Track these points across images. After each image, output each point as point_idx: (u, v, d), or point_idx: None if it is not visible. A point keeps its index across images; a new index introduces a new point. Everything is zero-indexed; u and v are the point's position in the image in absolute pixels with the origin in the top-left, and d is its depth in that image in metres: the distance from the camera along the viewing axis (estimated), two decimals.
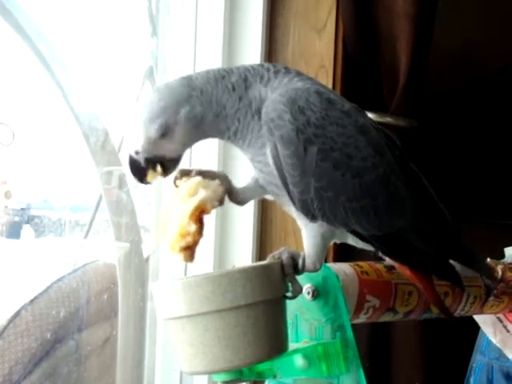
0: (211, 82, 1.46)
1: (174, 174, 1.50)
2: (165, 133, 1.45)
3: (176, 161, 1.51)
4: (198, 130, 1.47)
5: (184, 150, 1.50)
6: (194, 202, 1.43)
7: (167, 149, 1.47)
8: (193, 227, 1.43)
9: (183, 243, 1.43)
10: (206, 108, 1.45)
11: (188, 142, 1.49)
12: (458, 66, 2.90)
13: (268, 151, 1.45)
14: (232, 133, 1.48)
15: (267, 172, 1.48)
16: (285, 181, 1.44)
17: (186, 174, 1.50)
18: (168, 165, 1.49)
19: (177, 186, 1.49)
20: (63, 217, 2.86)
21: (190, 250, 1.45)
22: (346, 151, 1.43)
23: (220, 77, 1.47)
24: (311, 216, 1.47)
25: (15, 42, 2.19)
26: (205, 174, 1.51)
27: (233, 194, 1.57)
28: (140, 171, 1.49)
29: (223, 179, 1.54)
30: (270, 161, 1.45)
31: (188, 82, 1.46)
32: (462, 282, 1.66)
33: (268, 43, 2.50)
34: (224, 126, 1.47)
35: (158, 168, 1.49)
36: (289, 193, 1.46)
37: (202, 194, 1.44)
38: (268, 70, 1.48)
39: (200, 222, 1.44)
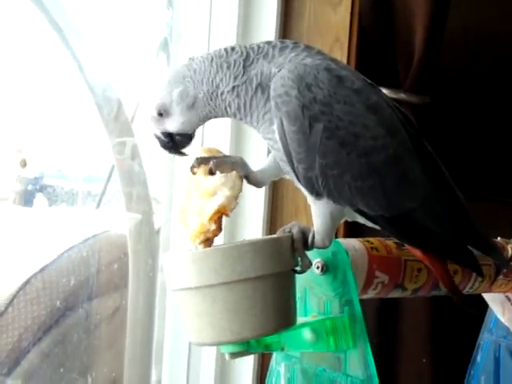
0: (207, 61, 1.48)
1: (192, 161, 1.50)
2: (163, 112, 1.50)
3: (190, 136, 1.54)
4: (195, 108, 1.49)
5: (190, 127, 1.52)
6: (213, 206, 1.44)
7: (173, 126, 1.51)
8: (212, 226, 1.44)
9: (202, 238, 1.45)
10: (197, 87, 1.48)
11: (190, 120, 1.51)
12: (473, 42, 2.87)
13: (275, 127, 1.45)
14: (235, 110, 1.49)
15: (277, 149, 1.48)
16: (290, 157, 1.44)
17: (203, 162, 1.50)
18: (182, 140, 1.53)
19: (194, 173, 1.50)
20: (76, 186, 2.87)
21: (208, 242, 1.46)
22: (353, 130, 1.42)
23: (218, 56, 1.48)
24: (316, 193, 1.47)
25: (32, 12, 2.19)
26: (221, 163, 1.50)
27: (251, 178, 1.57)
28: (165, 145, 1.54)
29: (240, 166, 1.53)
30: (276, 136, 1.45)
31: (189, 62, 1.50)
32: (481, 268, 1.65)
33: (283, 16, 2.48)
34: (223, 104, 1.48)
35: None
36: (294, 170, 1.46)
37: (221, 198, 1.44)
38: (274, 46, 1.48)
39: (219, 221, 1.46)
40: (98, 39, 2.41)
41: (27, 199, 2.99)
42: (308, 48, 1.50)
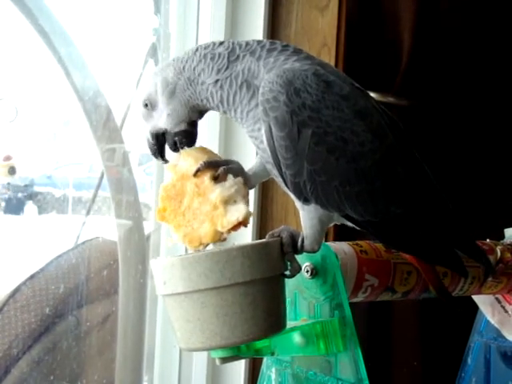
0: (191, 52, 1.51)
1: (197, 165, 1.48)
2: (148, 103, 1.52)
3: (184, 135, 1.53)
4: (176, 95, 1.50)
5: (178, 118, 1.52)
6: (237, 217, 1.44)
7: (162, 121, 1.52)
8: (225, 235, 1.45)
9: (206, 244, 1.46)
10: (178, 74, 1.50)
11: (175, 109, 1.51)
12: (461, 44, 2.88)
13: (263, 132, 1.45)
14: (218, 102, 1.49)
15: (262, 149, 1.48)
16: (278, 162, 1.44)
17: (210, 166, 1.48)
18: (179, 140, 1.53)
19: (197, 177, 1.48)
20: (66, 193, 2.87)
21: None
22: (342, 135, 1.42)
23: (204, 47, 1.51)
24: (304, 199, 1.47)
25: (17, 18, 2.18)
26: (230, 171, 1.49)
27: (247, 182, 1.57)
28: (154, 148, 1.55)
29: (241, 171, 1.54)
30: (265, 142, 1.45)
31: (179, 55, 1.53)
32: (467, 271, 1.65)
33: (271, 21, 2.49)
34: (204, 93, 1.49)
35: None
36: (281, 175, 1.46)
37: (243, 208, 1.44)
38: (263, 46, 1.49)
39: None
40: (87, 46, 2.41)
41: (17, 207, 2.98)
42: (297, 51, 1.50)
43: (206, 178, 1.47)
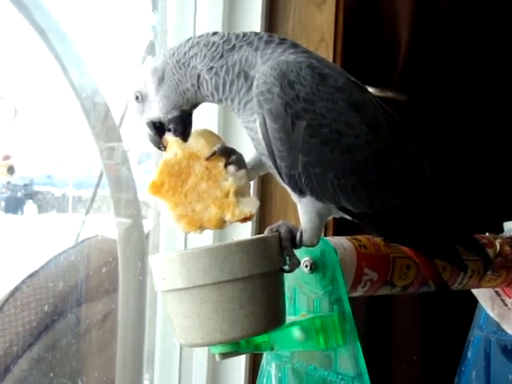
0: (184, 40, 1.50)
1: (211, 148, 1.48)
2: (140, 96, 1.51)
3: (177, 122, 1.51)
4: (164, 81, 1.49)
5: (169, 105, 1.50)
6: (249, 210, 1.46)
7: (154, 111, 1.51)
8: (228, 224, 1.46)
9: (203, 229, 1.47)
10: (166, 60, 1.49)
11: (165, 96, 1.50)
12: (460, 40, 2.88)
13: (257, 124, 1.45)
14: (213, 89, 1.48)
15: (257, 140, 1.48)
16: (272, 155, 1.44)
17: (224, 153, 1.48)
18: (173, 128, 1.52)
19: (209, 160, 1.48)
20: (66, 192, 2.87)
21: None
22: (336, 127, 1.42)
23: (196, 36, 1.50)
24: (299, 191, 1.47)
25: (14, 15, 2.18)
26: (239, 161, 1.50)
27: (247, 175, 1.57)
28: (155, 139, 1.54)
29: (243, 162, 1.53)
30: (259, 134, 1.45)
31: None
32: (465, 264, 1.65)
33: (268, 16, 2.48)
34: (195, 79, 1.48)
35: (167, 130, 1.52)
36: (276, 167, 1.46)
37: (255, 203, 1.47)
38: (260, 38, 1.48)
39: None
40: (85, 44, 2.41)
41: (17, 206, 2.99)
42: (294, 45, 1.50)
43: (221, 163, 1.47)
